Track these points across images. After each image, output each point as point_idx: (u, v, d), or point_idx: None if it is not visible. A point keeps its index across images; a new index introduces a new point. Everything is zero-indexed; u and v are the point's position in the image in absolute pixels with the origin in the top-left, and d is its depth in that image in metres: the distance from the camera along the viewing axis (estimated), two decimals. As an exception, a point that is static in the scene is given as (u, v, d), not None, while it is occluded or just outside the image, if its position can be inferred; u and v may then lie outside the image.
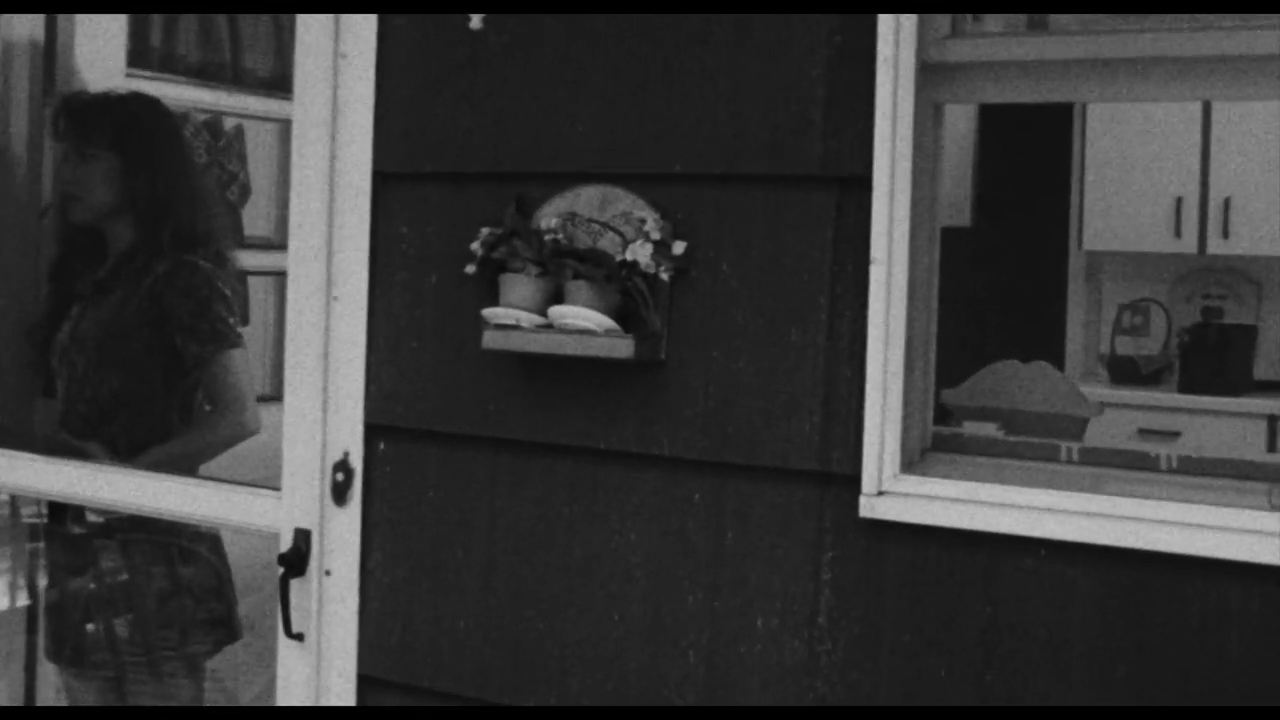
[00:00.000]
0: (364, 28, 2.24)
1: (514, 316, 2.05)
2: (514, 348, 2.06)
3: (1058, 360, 5.63)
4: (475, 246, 2.14)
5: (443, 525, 2.21)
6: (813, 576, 1.95)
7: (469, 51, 2.17)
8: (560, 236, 2.08)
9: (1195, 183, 5.38)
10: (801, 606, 1.95)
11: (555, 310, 2.02)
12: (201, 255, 2.93)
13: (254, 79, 3.72)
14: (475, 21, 2.06)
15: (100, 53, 3.07)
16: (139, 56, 3.31)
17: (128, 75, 3.19)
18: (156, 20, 3.49)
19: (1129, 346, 5.68)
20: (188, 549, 2.91)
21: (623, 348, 1.99)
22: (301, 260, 2.30)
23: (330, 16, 2.24)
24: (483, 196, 2.18)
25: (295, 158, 2.31)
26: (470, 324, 2.17)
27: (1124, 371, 5.54)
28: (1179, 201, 5.42)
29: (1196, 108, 5.30)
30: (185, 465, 2.80)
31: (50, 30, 3.00)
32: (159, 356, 2.93)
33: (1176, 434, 5.18)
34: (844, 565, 1.93)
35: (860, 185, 1.91)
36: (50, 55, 2.99)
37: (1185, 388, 5.28)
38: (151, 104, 3.05)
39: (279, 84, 3.52)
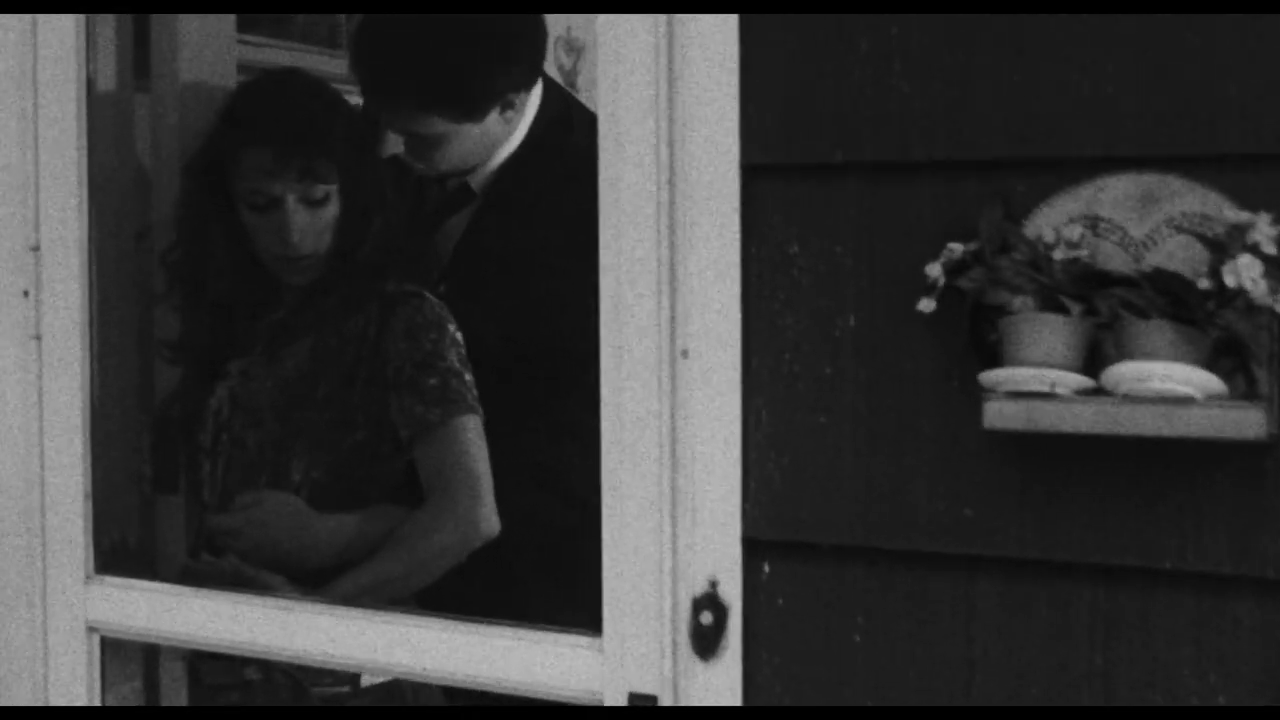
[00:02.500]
0: (713, -48, 1.52)
1: (1048, 379, 1.34)
2: (1047, 427, 1.35)
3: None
4: (933, 270, 1.43)
5: (882, 681, 1.50)
6: None
7: (896, -19, 1.46)
8: (1084, 253, 1.39)
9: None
10: None
11: (1128, 369, 1.32)
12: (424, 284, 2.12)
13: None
14: None
15: (205, 21, 2.21)
16: (247, 21, 2.49)
17: (241, 41, 2.33)
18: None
19: None
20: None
21: (1247, 423, 1.29)
22: (622, 298, 1.56)
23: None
24: (928, 197, 1.47)
25: (604, 146, 1.58)
26: (925, 387, 1.46)
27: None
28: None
29: None
30: (398, 590, 2.00)
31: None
32: (367, 427, 2.10)
33: None
34: None
35: None
36: (142, 27, 2.13)
37: None
38: (336, 97, 2.18)
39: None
